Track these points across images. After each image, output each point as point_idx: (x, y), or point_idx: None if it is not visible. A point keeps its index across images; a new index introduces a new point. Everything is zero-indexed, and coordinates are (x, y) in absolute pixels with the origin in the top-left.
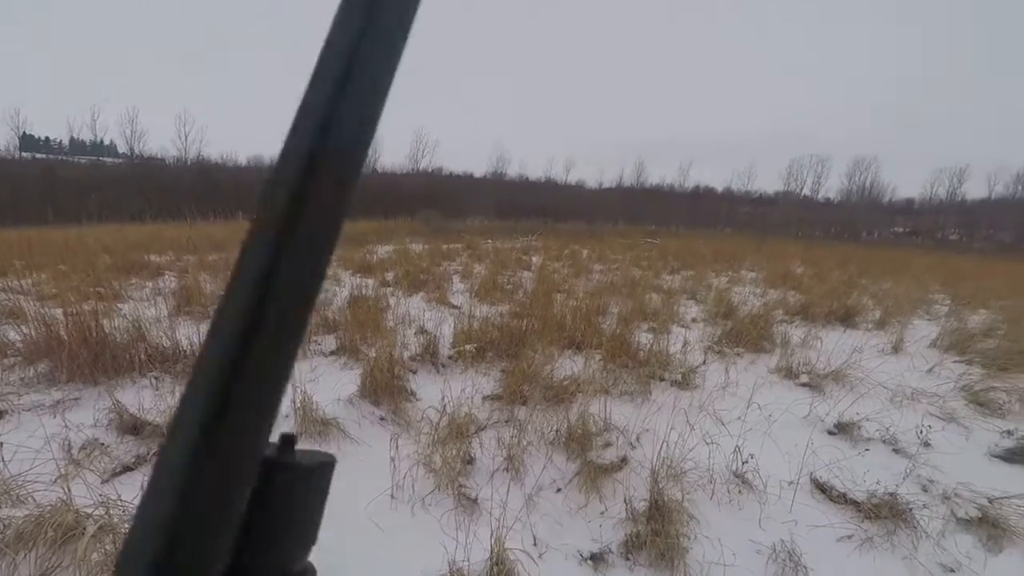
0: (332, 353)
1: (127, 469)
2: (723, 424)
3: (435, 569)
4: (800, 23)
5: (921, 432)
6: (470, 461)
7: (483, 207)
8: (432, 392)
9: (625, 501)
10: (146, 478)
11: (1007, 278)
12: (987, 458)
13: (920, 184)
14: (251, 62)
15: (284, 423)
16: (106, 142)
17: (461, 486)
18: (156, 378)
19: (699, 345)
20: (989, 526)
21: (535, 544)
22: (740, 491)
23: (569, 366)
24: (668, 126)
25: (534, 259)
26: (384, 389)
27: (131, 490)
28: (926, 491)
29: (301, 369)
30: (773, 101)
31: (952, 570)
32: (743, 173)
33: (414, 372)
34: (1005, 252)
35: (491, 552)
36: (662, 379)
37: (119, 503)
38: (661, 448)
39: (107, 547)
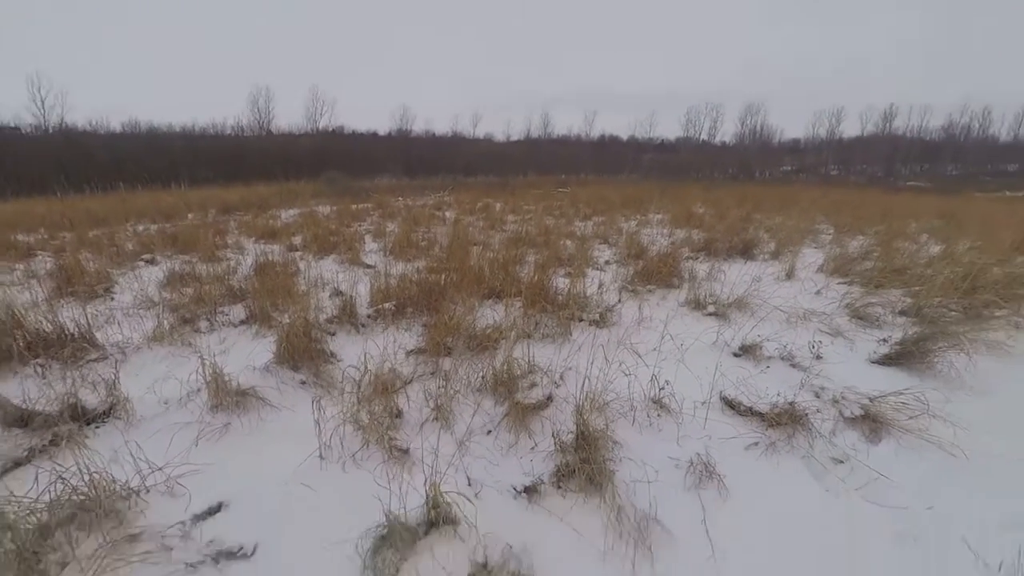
0: (242, 323)
1: (18, 464)
2: (640, 356)
3: (374, 520)
4: None
5: (813, 347)
6: (398, 415)
7: (391, 166)
8: (353, 352)
9: (553, 435)
10: (40, 471)
11: (878, 206)
12: (867, 364)
13: (804, 125)
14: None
15: (196, 397)
16: None
17: (391, 439)
18: (41, 366)
19: (614, 285)
20: (870, 421)
21: (469, 484)
22: (659, 415)
23: (490, 315)
24: (570, 79)
25: (447, 214)
26: (302, 353)
27: (24, 485)
28: (818, 397)
29: (208, 341)
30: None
31: (841, 461)
32: (645, 121)
33: (332, 334)
34: (876, 183)
35: (427, 496)
36: (581, 320)
37: (13, 499)
38: (583, 384)
39: (6, 546)
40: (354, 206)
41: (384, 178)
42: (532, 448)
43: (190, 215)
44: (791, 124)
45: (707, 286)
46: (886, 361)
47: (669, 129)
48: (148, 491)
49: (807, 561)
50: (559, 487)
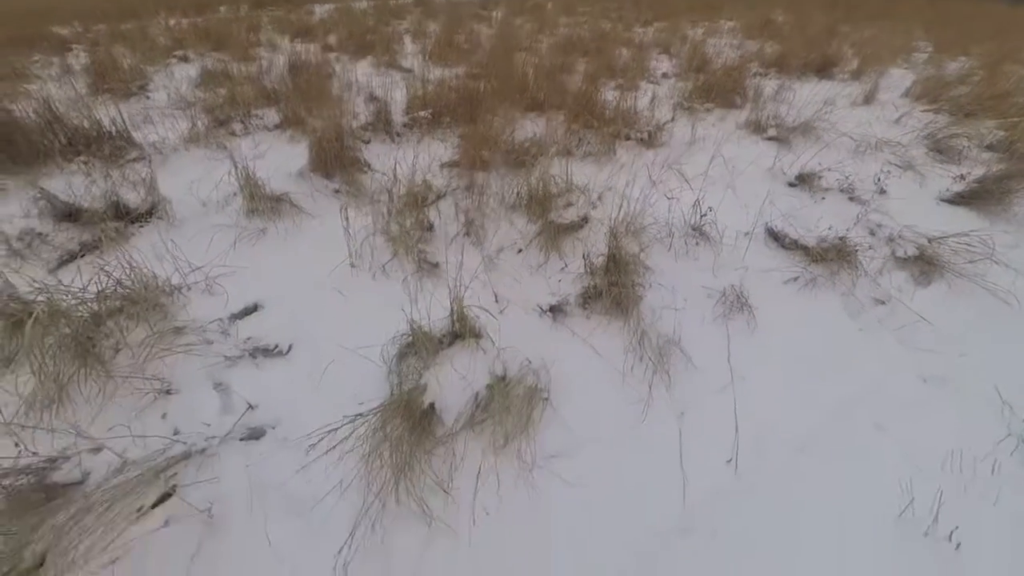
0: (276, 127)
1: (72, 257)
2: (686, 180)
3: (399, 329)
4: None
5: (878, 179)
6: (429, 228)
7: None
8: (388, 162)
9: (584, 256)
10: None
11: (993, 20)
12: (936, 202)
13: None
14: None
15: (233, 201)
16: None
17: (421, 252)
18: (85, 162)
19: (669, 101)
20: (924, 263)
21: (496, 300)
22: (698, 243)
23: (531, 129)
24: None
25: (494, 13)
26: (335, 161)
27: (78, 279)
28: (873, 234)
29: (242, 145)
30: None
31: (883, 302)
32: None
33: (366, 142)
34: None
35: (451, 309)
36: (628, 138)
37: (65, 288)
38: (621, 206)
39: (63, 331)
40: (393, 1)
41: None
42: (562, 269)
43: (222, 7)
44: None
45: (772, 107)
46: (958, 200)
47: None
48: (190, 288)
49: (826, 395)
50: (585, 308)
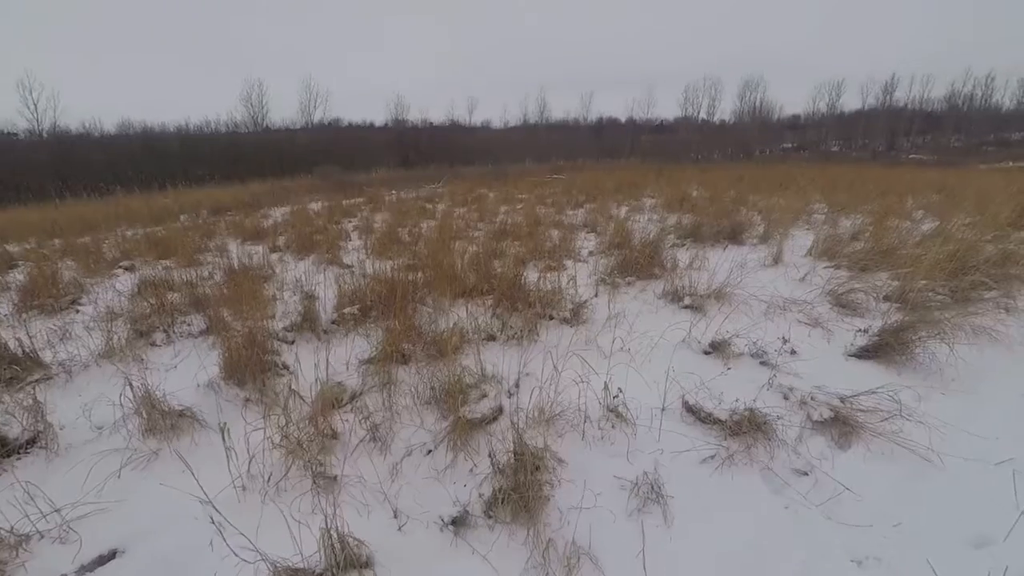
0: (202, 333)
1: None
2: (592, 363)
3: (276, 559)
4: None
5: (786, 340)
6: (334, 436)
7: (386, 157)
8: (312, 362)
9: (490, 455)
10: None
11: (877, 182)
12: (844, 358)
13: (804, 100)
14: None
15: (129, 421)
16: None
17: (319, 465)
18: None
19: (591, 279)
20: (840, 424)
21: (395, 516)
22: (613, 426)
23: (458, 316)
24: (565, 61)
25: (439, 207)
26: (249, 367)
27: None
28: (787, 399)
29: (164, 355)
30: (667, 26)
31: (805, 473)
32: (643, 101)
33: (290, 343)
34: (878, 157)
35: (325, 541)
36: (551, 318)
37: None
38: (531, 394)
39: None
40: (346, 201)
41: (380, 170)
42: (471, 470)
43: (182, 217)
44: (791, 99)
45: (688, 276)
46: (863, 354)
47: (667, 109)
48: (42, 537)
49: None
50: (490, 516)
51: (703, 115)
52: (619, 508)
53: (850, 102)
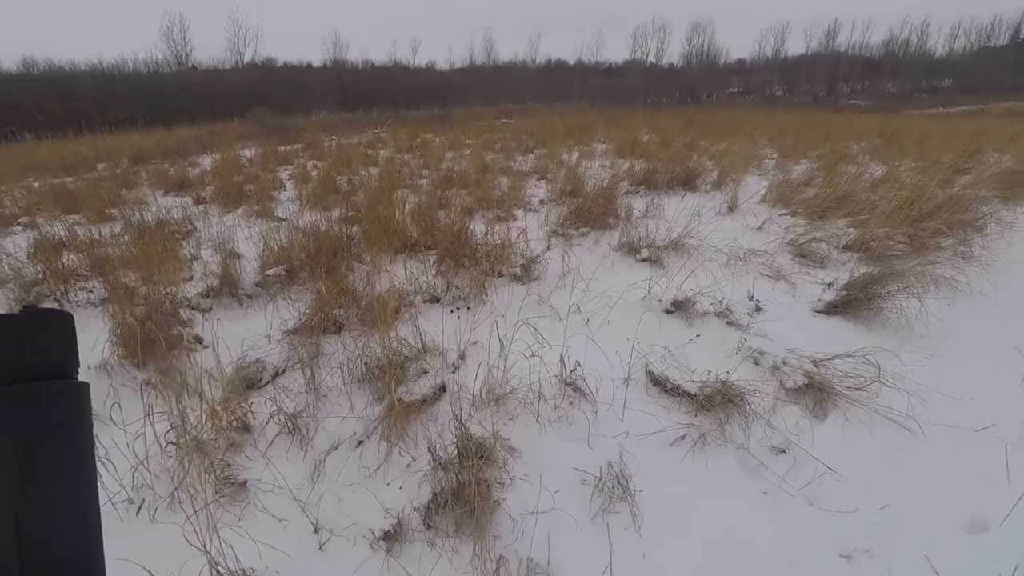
0: (104, 301)
1: None
2: (561, 320)
3: None
4: None
5: (751, 296)
6: (245, 429)
7: (325, 100)
8: (232, 332)
9: (430, 448)
10: None
11: (821, 127)
12: (812, 315)
13: (750, 44)
14: None
15: None
16: None
17: (226, 466)
18: None
19: (544, 229)
20: (815, 391)
21: (316, 531)
22: (572, 403)
23: (400, 274)
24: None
25: (382, 153)
26: (152, 342)
27: None
28: (758, 364)
29: None
30: None
31: (783, 450)
32: (591, 44)
33: (206, 311)
34: (819, 103)
35: None
36: (500, 275)
37: None
38: (478, 369)
39: None
40: (282, 147)
41: (319, 114)
42: (408, 465)
43: (100, 166)
44: (737, 43)
45: (644, 225)
46: (831, 310)
47: (616, 52)
48: None
49: None
50: (430, 527)
51: (652, 58)
52: (581, 509)
53: (794, 47)
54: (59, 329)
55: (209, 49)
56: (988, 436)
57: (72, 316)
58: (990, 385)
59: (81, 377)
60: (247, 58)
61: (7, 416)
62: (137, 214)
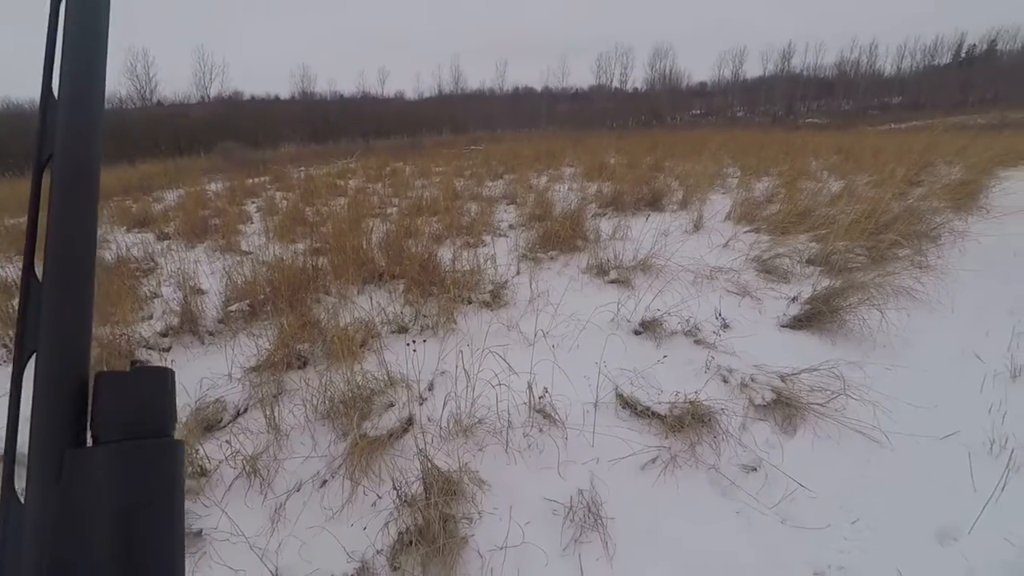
0: None
1: None
2: (530, 345)
3: None
4: None
5: (719, 314)
6: (202, 473)
7: (295, 132)
8: (189, 374)
9: (395, 486)
10: None
11: (781, 145)
12: (778, 330)
13: (710, 68)
14: None
15: None
16: None
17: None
18: None
19: (512, 255)
20: (783, 407)
21: None
22: (541, 430)
23: (367, 305)
24: (478, 31)
25: (351, 183)
26: None
27: None
28: (726, 382)
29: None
30: None
31: (754, 468)
32: (557, 71)
33: (165, 350)
34: (778, 122)
35: None
36: (469, 302)
37: None
38: (446, 400)
39: None
40: (250, 180)
41: (288, 146)
42: (373, 504)
43: None
44: (698, 67)
45: (612, 247)
46: (796, 324)
47: (581, 78)
48: None
49: None
50: (395, 568)
51: (616, 83)
52: (551, 542)
53: (752, 69)
54: (162, 386)
55: (174, 84)
56: (953, 443)
57: (174, 372)
58: (952, 392)
59: (26, 431)
60: (213, 92)
61: (110, 474)
62: (104, 252)
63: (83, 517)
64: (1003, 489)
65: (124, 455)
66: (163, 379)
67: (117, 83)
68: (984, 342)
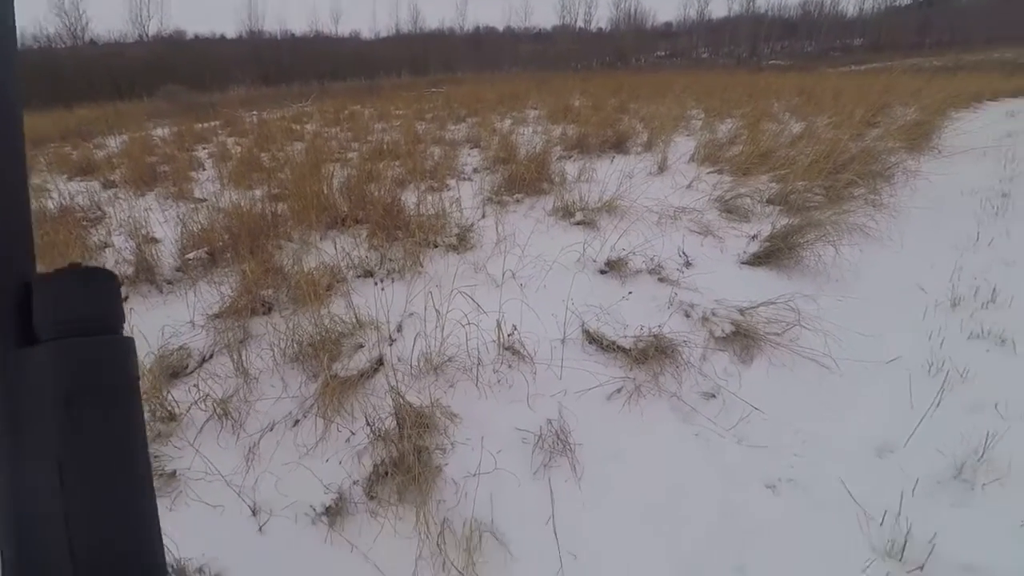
0: None
1: None
2: (498, 286)
3: None
4: None
5: (682, 253)
6: (171, 418)
7: (243, 74)
8: (149, 322)
9: (367, 421)
10: None
11: (745, 87)
12: (738, 267)
13: (675, 7)
14: None
15: None
16: None
17: (153, 458)
18: None
19: (478, 197)
20: (742, 338)
21: (254, 513)
22: (511, 366)
23: (331, 250)
24: None
25: (308, 127)
26: None
27: None
28: (688, 316)
29: None
30: None
31: (713, 395)
32: (520, 9)
33: (123, 300)
34: (742, 64)
35: None
36: (436, 245)
37: None
38: (415, 339)
39: None
40: (199, 125)
41: (237, 89)
42: (347, 440)
43: None
44: (664, 6)
45: (578, 189)
46: (756, 261)
47: (545, 18)
48: None
49: (674, 547)
50: (372, 497)
51: (581, 23)
52: (523, 467)
53: (717, 10)
54: (104, 284)
55: (109, 22)
56: (896, 367)
57: (116, 274)
58: (897, 321)
59: None
60: (152, 31)
61: (52, 371)
62: (36, 202)
63: (30, 414)
64: (938, 406)
65: (66, 351)
66: (104, 278)
67: (44, 19)
68: (929, 274)
